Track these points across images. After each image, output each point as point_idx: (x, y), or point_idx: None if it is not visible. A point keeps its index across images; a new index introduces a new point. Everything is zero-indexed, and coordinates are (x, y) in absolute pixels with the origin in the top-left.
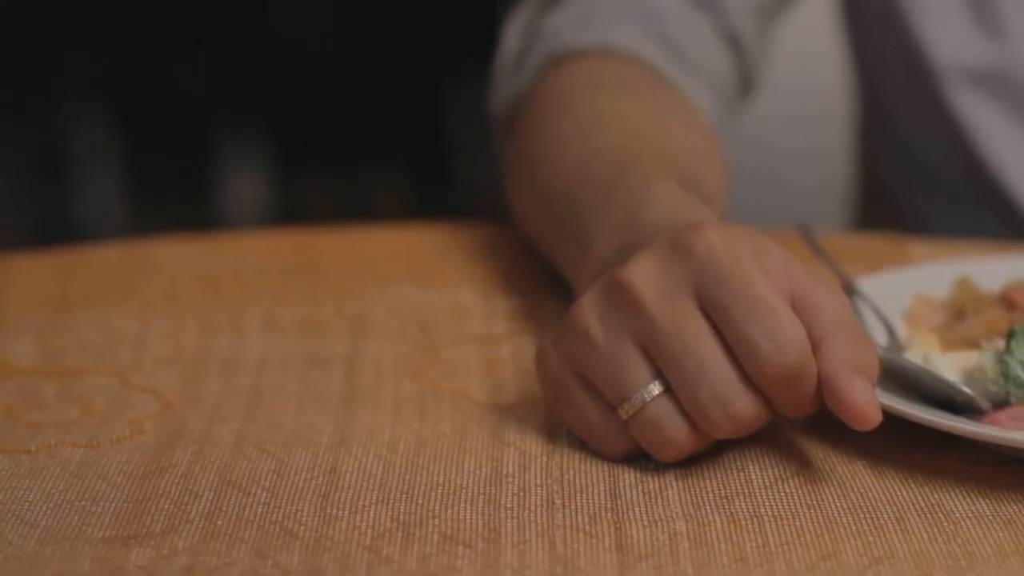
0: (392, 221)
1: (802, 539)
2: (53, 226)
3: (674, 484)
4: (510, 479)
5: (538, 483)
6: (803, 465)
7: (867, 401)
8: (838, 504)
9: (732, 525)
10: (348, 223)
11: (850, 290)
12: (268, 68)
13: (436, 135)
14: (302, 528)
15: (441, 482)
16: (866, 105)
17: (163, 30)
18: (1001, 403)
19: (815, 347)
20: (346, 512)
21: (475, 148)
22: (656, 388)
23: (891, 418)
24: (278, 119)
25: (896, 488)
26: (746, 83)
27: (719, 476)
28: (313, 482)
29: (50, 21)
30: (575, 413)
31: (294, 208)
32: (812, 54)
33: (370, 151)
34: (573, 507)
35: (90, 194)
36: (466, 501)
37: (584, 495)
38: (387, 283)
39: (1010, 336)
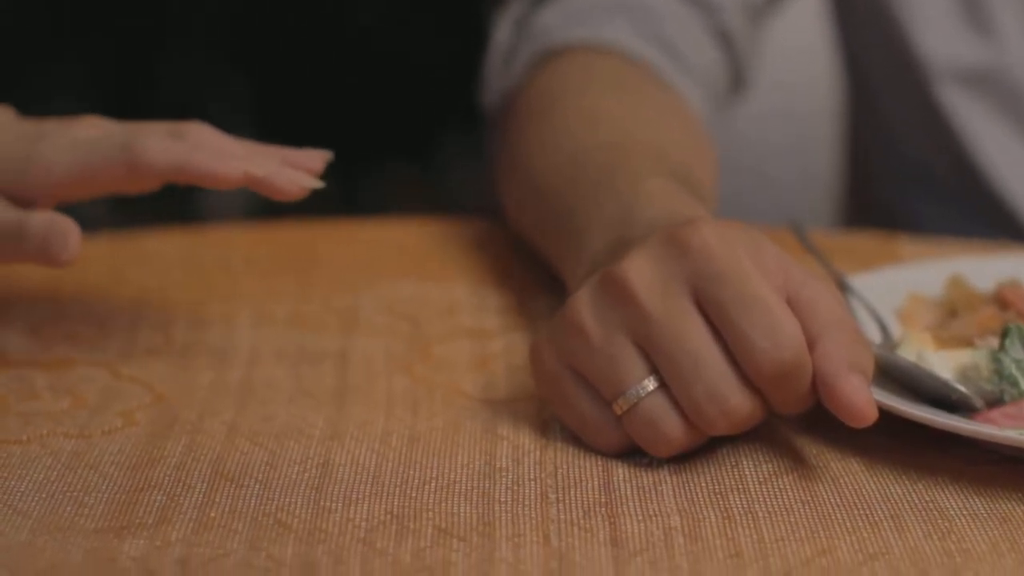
0: (383, 215)
1: (797, 535)
2: None
3: (668, 479)
4: (504, 473)
5: (532, 477)
6: (797, 461)
7: (863, 399)
8: (832, 500)
9: (727, 520)
10: (339, 218)
11: (843, 288)
12: (255, 66)
13: (429, 131)
14: (296, 520)
15: (435, 476)
16: (855, 103)
17: (149, 30)
18: (995, 401)
19: (811, 344)
20: (340, 505)
21: (469, 144)
22: (651, 384)
23: (885, 415)
24: (265, 117)
25: (890, 485)
26: (737, 81)
27: (713, 472)
28: (306, 475)
29: (35, 24)
30: (569, 408)
31: (280, 205)
32: (798, 49)
33: (361, 147)
34: (567, 501)
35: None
36: (460, 495)
37: (578, 489)
38: (378, 278)
39: (1004, 334)
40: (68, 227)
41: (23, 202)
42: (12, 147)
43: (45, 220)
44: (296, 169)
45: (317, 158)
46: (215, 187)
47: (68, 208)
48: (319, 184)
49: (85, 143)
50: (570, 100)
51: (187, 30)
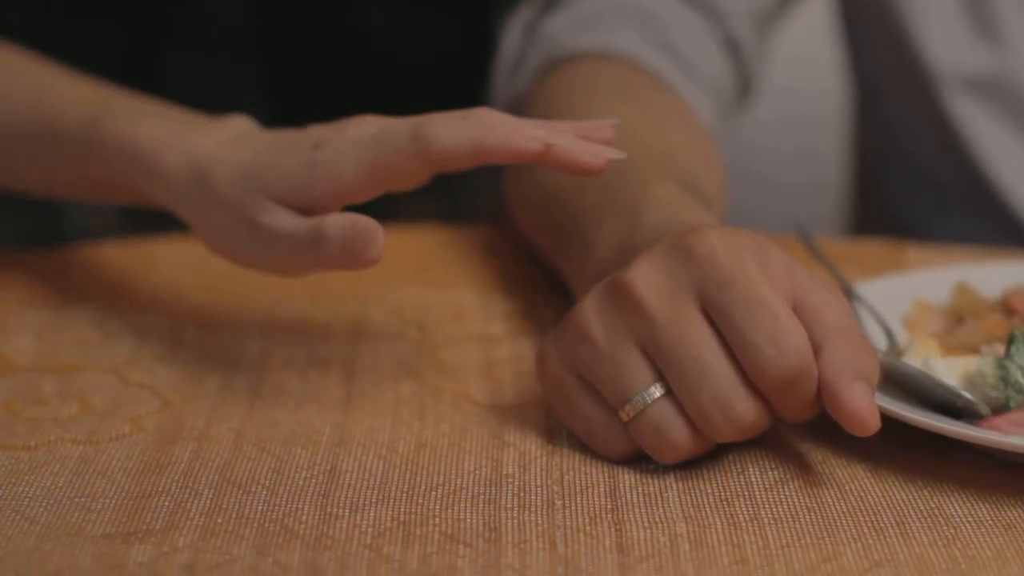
0: (391, 222)
1: (802, 541)
2: (44, 234)
3: (674, 486)
4: (510, 479)
5: (538, 483)
6: (803, 468)
7: (866, 407)
8: (838, 507)
9: (732, 527)
10: None
11: (849, 294)
12: (263, 72)
13: None
14: (303, 526)
15: (441, 482)
16: (863, 110)
17: (156, 28)
18: (1000, 408)
19: (816, 351)
20: (346, 511)
21: None
22: (657, 391)
23: (891, 422)
24: (271, 122)
25: (896, 492)
26: (744, 88)
27: (719, 478)
28: (313, 481)
29: (36, 25)
30: (576, 414)
31: None
32: (806, 56)
33: None
34: (573, 508)
35: (81, 204)
36: (466, 501)
37: (584, 496)
38: (386, 284)
39: (1010, 341)
40: (371, 224)
41: (307, 212)
42: (289, 158)
43: (346, 220)
44: (591, 141)
45: (607, 128)
46: (513, 162)
47: (74, 219)
48: (621, 155)
49: (368, 140)
50: (577, 107)
51: (194, 30)
